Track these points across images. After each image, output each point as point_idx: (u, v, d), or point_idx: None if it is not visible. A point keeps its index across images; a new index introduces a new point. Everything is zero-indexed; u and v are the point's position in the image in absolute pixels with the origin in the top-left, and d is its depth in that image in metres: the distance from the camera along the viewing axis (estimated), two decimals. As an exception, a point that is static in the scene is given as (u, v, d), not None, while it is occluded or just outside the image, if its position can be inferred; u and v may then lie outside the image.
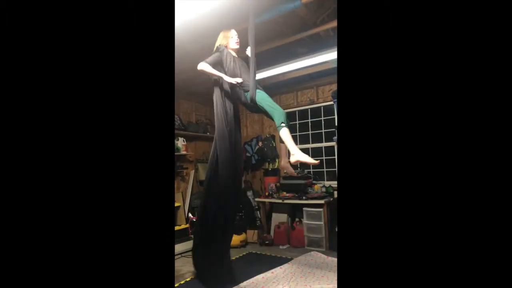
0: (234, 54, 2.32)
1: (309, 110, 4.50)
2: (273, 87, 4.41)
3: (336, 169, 4.09)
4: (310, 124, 4.50)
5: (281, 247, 3.81)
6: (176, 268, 3.08)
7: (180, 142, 4.32)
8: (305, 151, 4.47)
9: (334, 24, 2.72)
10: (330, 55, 3.08)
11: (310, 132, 4.50)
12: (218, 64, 2.24)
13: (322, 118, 4.37)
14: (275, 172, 4.51)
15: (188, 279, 2.82)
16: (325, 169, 4.30)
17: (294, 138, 4.61)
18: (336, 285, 2.36)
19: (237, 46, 2.32)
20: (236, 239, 3.88)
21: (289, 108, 4.64)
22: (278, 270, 2.82)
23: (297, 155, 1.85)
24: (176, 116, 4.39)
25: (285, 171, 2.02)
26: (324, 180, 4.26)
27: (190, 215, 4.26)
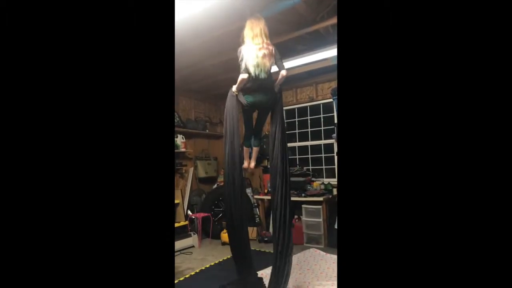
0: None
1: (308, 107, 4.49)
2: (272, 84, 4.40)
3: (335, 166, 4.10)
4: (309, 121, 4.50)
5: (280, 244, 3.82)
6: (175, 265, 3.09)
7: (179, 140, 4.32)
8: (304, 148, 4.53)
9: (334, 21, 2.71)
10: (330, 52, 3.07)
11: (309, 129, 4.50)
12: None
13: (321, 116, 4.37)
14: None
15: (187, 276, 2.84)
16: (324, 167, 4.31)
17: (293, 135, 4.64)
18: (334, 282, 2.38)
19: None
20: (235, 236, 3.89)
21: (288, 106, 4.64)
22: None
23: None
24: (175, 113, 4.39)
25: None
26: (323, 177, 4.27)
27: (189, 212, 4.27)
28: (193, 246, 3.88)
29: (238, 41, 2.16)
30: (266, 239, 3.94)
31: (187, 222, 4.05)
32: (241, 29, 2.40)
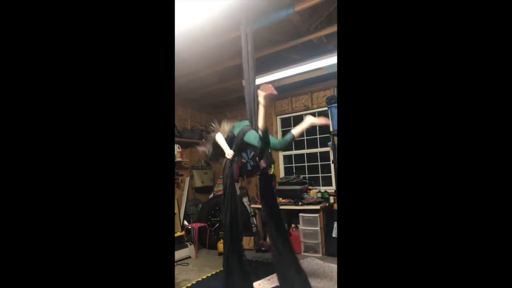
0: None
1: (304, 115, 4.52)
2: (267, 93, 4.43)
3: (332, 174, 4.10)
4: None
5: (277, 253, 3.78)
6: (171, 276, 3.04)
7: (175, 149, 4.31)
8: (300, 156, 4.53)
9: (327, 31, 2.76)
10: (324, 62, 3.12)
11: (305, 137, 4.51)
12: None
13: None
14: (271, 178, 4.50)
15: (183, 288, 2.80)
16: (320, 175, 4.31)
17: (289, 144, 4.64)
18: (333, 291, 2.35)
19: None
20: (232, 246, 3.85)
21: (284, 114, 4.67)
22: (274, 277, 2.79)
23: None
24: (171, 123, 4.39)
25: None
26: (319, 186, 4.26)
27: (185, 222, 4.23)
28: (189, 257, 3.83)
29: (233, 50, 2.20)
30: (263, 248, 3.90)
31: (183, 233, 4.01)
32: (236, 39, 2.42)
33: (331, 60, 3.05)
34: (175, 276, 3.13)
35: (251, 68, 2.24)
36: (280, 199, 4.03)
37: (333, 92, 4.08)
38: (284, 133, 4.70)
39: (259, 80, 3.59)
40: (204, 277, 3.07)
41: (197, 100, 4.83)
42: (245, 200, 4.52)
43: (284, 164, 4.69)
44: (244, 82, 2.34)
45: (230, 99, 4.77)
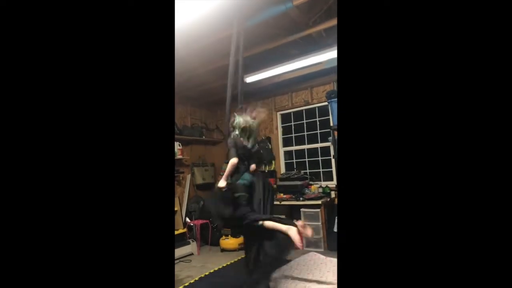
0: None
1: (304, 111, 4.51)
2: (267, 89, 4.42)
3: (333, 169, 4.11)
4: (305, 125, 4.51)
5: (279, 249, 3.80)
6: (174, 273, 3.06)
7: (175, 146, 4.31)
8: (301, 152, 4.53)
9: (326, 25, 2.74)
10: (323, 56, 3.10)
11: (305, 133, 4.51)
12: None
13: (317, 119, 4.38)
14: (272, 174, 4.51)
15: (186, 284, 2.81)
16: (321, 170, 4.31)
17: (290, 139, 4.65)
18: (335, 286, 2.36)
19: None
20: (234, 242, 3.87)
21: (284, 110, 4.66)
22: (276, 272, 2.81)
23: None
24: (171, 120, 4.38)
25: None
26: (320, 181, 4.27)
27: (187, 219, 4.24)
28: (192, 254, 3.85)
29: (230, 47, 2.19)
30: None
31: (185, 230, 4.02)
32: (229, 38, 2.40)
33: (331, 54, 3.03)
34: (178, 273, 3.15)
35: (240, 67, 2.26)
36: (282, 194, 4.04)
37: (333, 86, 4.06)
38: (285, 128, 4.70)
39: (259, 76, 3.58)
40: (207, 273, 3.09)
41: (196, 97, 4.82)
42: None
43: (285, 159, 4.69)
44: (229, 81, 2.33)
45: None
